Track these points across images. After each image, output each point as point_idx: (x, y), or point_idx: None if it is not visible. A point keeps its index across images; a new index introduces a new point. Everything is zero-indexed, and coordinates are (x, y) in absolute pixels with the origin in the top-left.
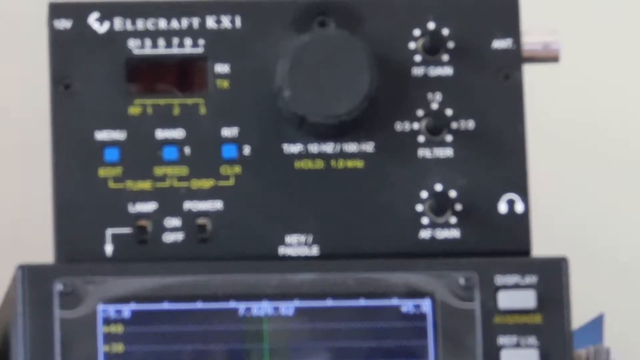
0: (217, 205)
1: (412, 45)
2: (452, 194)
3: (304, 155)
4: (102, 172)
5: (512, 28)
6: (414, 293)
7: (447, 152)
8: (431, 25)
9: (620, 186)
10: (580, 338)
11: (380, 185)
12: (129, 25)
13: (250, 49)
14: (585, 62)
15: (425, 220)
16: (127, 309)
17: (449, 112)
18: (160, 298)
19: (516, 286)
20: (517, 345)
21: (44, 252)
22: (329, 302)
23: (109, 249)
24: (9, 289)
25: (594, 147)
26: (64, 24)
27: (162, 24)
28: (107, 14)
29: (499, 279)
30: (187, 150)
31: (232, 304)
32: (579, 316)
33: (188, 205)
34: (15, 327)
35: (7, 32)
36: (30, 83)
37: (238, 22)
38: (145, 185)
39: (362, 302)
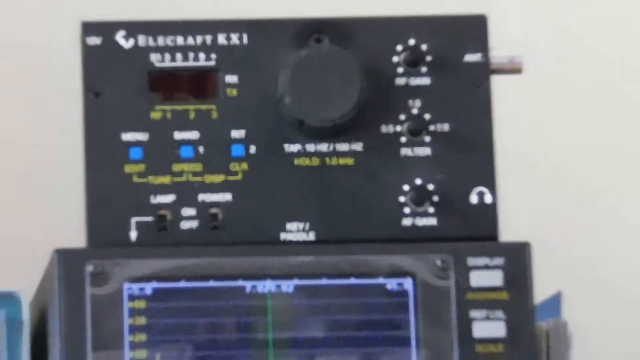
0: (227, 197)
1: (395, 58)
2: (430, 187)
3: (302, 153)
4: (127, 168)
5: (481, 44)
6: (398, 273)
7: (426, 151)
8: (412, 42)
9: (577, 181)
10: (542, 312)
11: (368, 179)
12: (150, 42)
13: (255, 61)
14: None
15: (407, 210)
16: (149, 287)
17: (427, 116)
18: (177, 278)
19: (486, 267)
20: (487, 318)
21: (76, 238)
22: (324, 281)
23: (133, 234)
24: (46, 270)
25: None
26: (94, 40)
27: (180, 40)
28: (132, 31)
29: (471, 261)
30: (201, 149)
31: (240, 283)
32: (540, 293)
33: (202, 197)
34: (51, 303)
35: (44, 46)
36: (65, 90)
37: (245, 38)
38: (165, 180)
39: (352, 280)
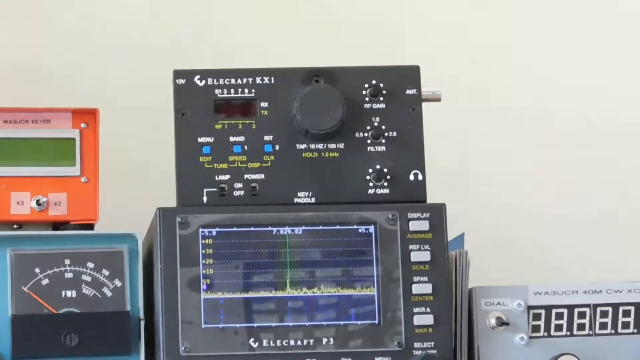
0: (261, 176)
1: (364, 92)
2: (385, 170)
3: (307, 150)
4: (201, 159)
5: (416, 83)
6: (366, 222)
7: (382, 148)
8: (374, 81)
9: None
10: (452, 246)
11: (347, 165)
12: (215, 82)
13: (279, 94)
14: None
15: (371, 184)
16: (214, 231)
17: (383, 127)
18: (231, 225)
19: (418, 218)
20: (419, 249)
21: (171, 200)
22: (320, 227)
23: (205, 199)
24: (152, 219)
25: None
26: (181, 81)
27: (232, 81)
28: (204, 75)
29: (410, 214)
30: (245, 147)
31: (269, 228)
32: (451, 234)
33: (246, 176)
34: (156, 240)
35: (143, 87)
36: (165, 112)
37: (272, 79)
38: (224, 165)
39: (337, 227)
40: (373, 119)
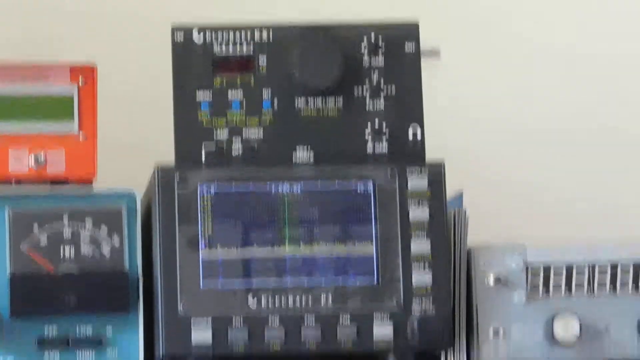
0: (260, 133)
1: (362, 47)
2: (384, 127)
3: (306, 107)
4: (199, 115)
5: (415, 39)
6: (364, 179)
7: (381, 105)
8: (372, 37)
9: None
10: (451, 204)
11: (347, 123)
12: (214, 38)
13: (277, 49)
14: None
15: (369, 142)
16: (212, 188)
17: (381, 83)
18: (230, 182)
19: (417, 176)
20: (418, 206)
21: (169, 157)
22: (319, 183)
23: (203, 156)
24: (151, 176)
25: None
26: (179, 37)
27: (231, 36)
28: (202, 31)
29: (408, 172)
30: (244, 103)
31: (267, 185)
32: (450, 192)
33: (244, 133)
34: (154, 198)
35: (145, 42)
36: (163, 68)
37: (271, 36)
38: (222, 122)
39: (336, 183)
40: (372, 75)
